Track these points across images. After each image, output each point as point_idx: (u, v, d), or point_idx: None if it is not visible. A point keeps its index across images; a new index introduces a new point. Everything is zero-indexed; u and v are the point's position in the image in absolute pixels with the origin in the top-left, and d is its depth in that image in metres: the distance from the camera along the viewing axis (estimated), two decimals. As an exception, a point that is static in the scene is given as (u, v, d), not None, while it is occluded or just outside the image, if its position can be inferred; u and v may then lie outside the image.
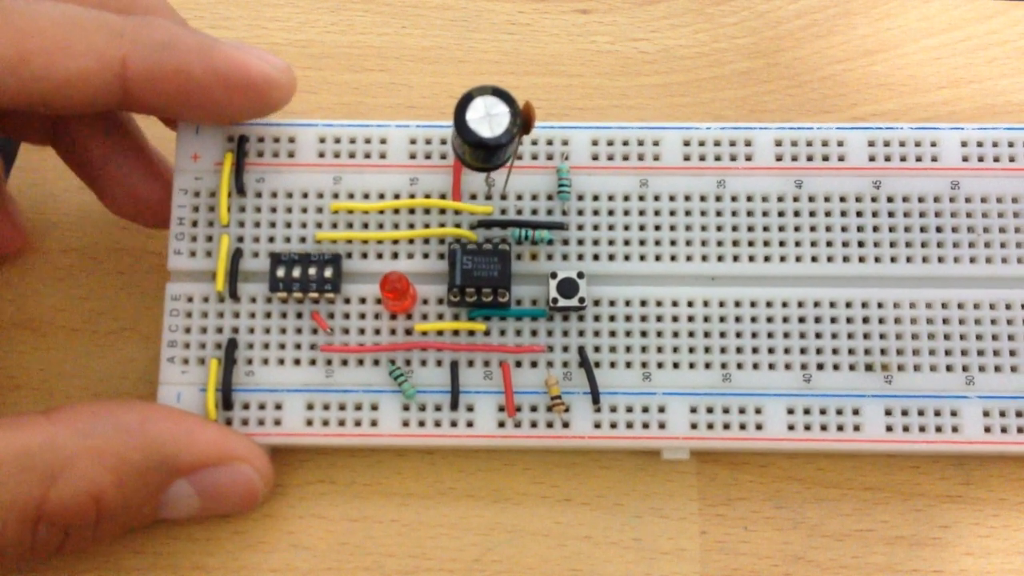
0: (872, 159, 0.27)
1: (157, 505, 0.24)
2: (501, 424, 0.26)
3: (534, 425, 0.26)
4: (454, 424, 0.26)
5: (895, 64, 0.30)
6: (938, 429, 0.26)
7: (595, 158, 0.27)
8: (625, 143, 0.27)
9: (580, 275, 0.26)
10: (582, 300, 0.25)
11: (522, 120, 0.24)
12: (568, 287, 0.26)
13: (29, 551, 0.23)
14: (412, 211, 0.27)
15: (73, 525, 0.23)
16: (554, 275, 0.26)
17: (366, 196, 0.27)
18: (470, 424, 0.26)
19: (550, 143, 0.27)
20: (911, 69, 0.30)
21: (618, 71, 0.30)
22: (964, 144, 0.27)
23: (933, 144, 0.27)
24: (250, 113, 0.26)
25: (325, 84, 0.30)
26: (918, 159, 0.27)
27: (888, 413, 0.26)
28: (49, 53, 0.23)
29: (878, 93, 0.30)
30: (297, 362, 0.26)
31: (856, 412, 0.26)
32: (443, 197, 0.27)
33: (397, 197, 0.27)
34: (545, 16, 0.30)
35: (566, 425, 0.26)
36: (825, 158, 0.27)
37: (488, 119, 0.23)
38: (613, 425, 0.26)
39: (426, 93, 0.30)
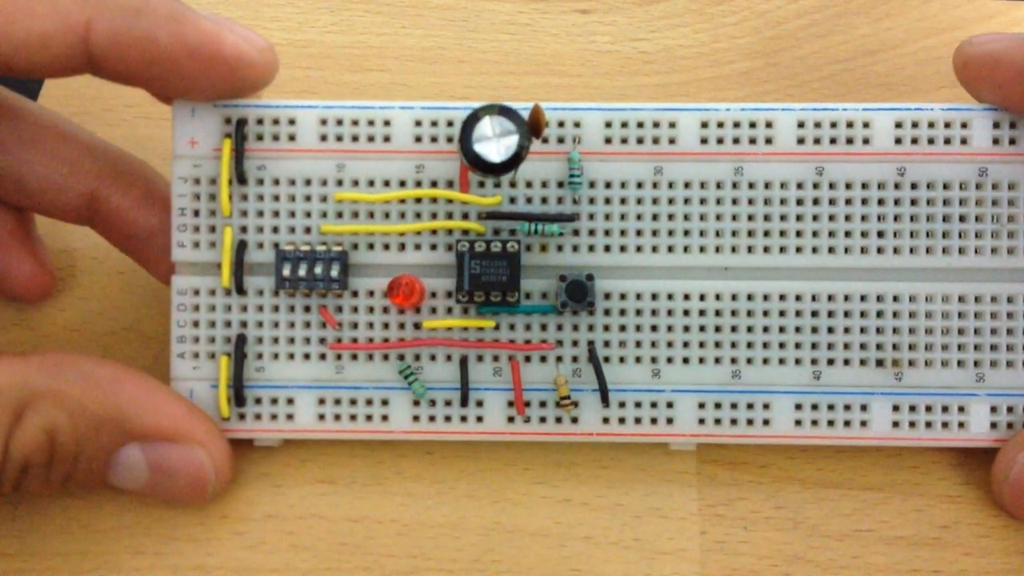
0: (898, 141, 0.26)
1: (107, 464, 0.24)
2: (511, 420, 0.26)
3: (543, 421, 0.26)
4: (464, 420, 0.26)
5: (895, 64, 0.29)
6: (944, 425, 0.26)
7: (608, 141, 0.26)
8: (640, 125, 0.26)
9: (590, 277, 0.25)
10: (591, 304, 0.25)
11: (530, 125, 0.23)
12: (577, 290, 0.25)
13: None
14: (419, 200, 0.26)
15: (29, 464, 0.23)
16: (563, 278, 0.25)
17: (371, 183, 0.26)
18: (480, 420, 0.26)
19: (561, 125, 0.26)
20: (911, 69, 0.29)
21: (618, 71, 0.29)
22: (996, 126, 0.26)
23: (963, 125, 0.26)
24: (224, 92, 0.25)
25: (325, 84, 0.29)
26: (946, 141, 0.26)
27: (896, 409, 0.26)
28: (8, 13, 0.22)
29: (878, 93, 0.29)
30: (307, 357, 0.26)
31: (864, 408, 0.26)
32: (450, 184, 0.26)
33: (403, 184, 0.26)
34: (545, 16, 0.29)
35: (575, 421, 0.26)
36: (849, 141, 0.26)
37: (495, 141, 0.22)
38: (622, 421, 0.26)
39: (426, 93, 0.29)
